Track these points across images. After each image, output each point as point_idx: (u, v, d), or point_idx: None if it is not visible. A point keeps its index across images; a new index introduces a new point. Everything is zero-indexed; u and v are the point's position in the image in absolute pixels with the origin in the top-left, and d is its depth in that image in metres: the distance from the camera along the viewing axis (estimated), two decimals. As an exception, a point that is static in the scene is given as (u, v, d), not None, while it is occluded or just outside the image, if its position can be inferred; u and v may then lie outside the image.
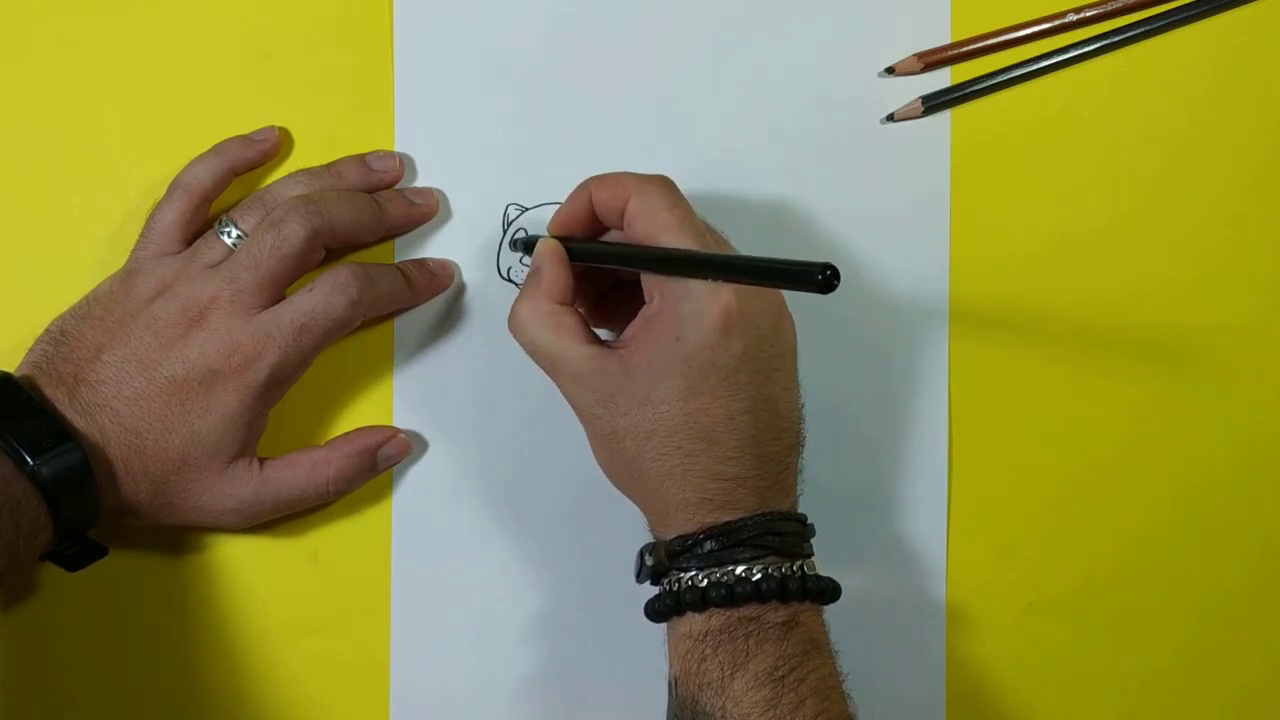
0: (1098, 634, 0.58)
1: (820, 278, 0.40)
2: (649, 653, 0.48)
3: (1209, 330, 0.58)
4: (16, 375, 0.50)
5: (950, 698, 0.56)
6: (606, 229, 0.50)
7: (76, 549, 0.50)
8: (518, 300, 0.50)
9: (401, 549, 0.55)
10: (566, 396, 0.49)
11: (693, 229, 0.47)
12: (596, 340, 0.49)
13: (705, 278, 0.46)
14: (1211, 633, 0.58)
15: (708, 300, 0.46)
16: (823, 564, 0.48)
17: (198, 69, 0.55)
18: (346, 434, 0.54)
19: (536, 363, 0.49)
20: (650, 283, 0.48)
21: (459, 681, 0.55)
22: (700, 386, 0.46)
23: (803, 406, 0.49)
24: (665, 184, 0.48)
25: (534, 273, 0.50)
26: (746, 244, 0.51)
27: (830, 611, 0.48)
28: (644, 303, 0.48)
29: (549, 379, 0.49)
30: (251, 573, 0.55)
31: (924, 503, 0.57)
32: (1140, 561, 0.58)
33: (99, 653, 0.54)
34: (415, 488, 0.55)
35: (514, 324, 0.49)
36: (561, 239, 0.50)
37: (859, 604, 0.55)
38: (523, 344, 0.49)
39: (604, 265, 0.50)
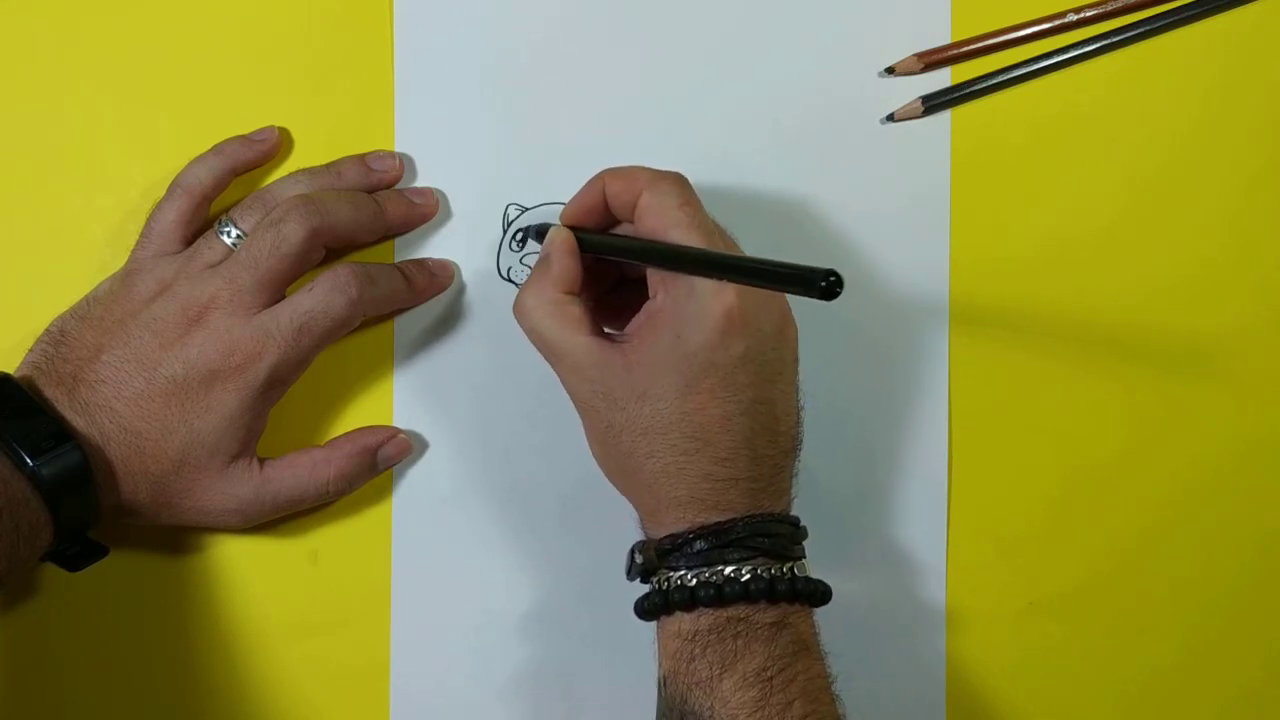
0: (1098, 634, 0.58)
1: (823, 284, 0.40)
2: (648, 653, 0.48)
3: (1209, 330, 0.58)
4: (16, 376, 0.50)
5: (950, 698, 0.56)
6: (618, 222, 0.50)
7: (77, 549, 0.50)
8: (524, 286, 0.49)
9: (401, 549, 0.55)
10: (566, 387, 0.49)
11: (702, 227, 0.47)
12: (599, 332, 0.49)
13: (707, 276, 0.46)
14: (1211, 633, 0.58)
15: (710, 300, 0.46)
16: (822, 564, 0.48)
17: (198, 69, 0.55)
18: (346, 434, 0.54)
19: (538, 350, 0.49)
20: (655, 279, 0.48)
21: (459, 681, 0.55)
22: (698, 386, 0.46)
23: (801, 410, 0.49)
24: (678, 180, 0.48)
25: (543, 260, 0.50)
26: (747, 244, 0.51)
27: (830, 612, 0.48)
28: (649, 299, 0.48)
29: (549, 379, 0.49)
30: (251, 573, 0.55)
31: (924, 503, 0.57)
32: (1140, 561, 0.58)
33: (99, 653, 0.54)
34: (415, 488, 0.55)
35: (519, 310, 0.49)
36: (573, 229, 0.50)
37: (859, 604, 0.55)
38: (526, 331, 0.49)
39: (611, 257, 0.50)
